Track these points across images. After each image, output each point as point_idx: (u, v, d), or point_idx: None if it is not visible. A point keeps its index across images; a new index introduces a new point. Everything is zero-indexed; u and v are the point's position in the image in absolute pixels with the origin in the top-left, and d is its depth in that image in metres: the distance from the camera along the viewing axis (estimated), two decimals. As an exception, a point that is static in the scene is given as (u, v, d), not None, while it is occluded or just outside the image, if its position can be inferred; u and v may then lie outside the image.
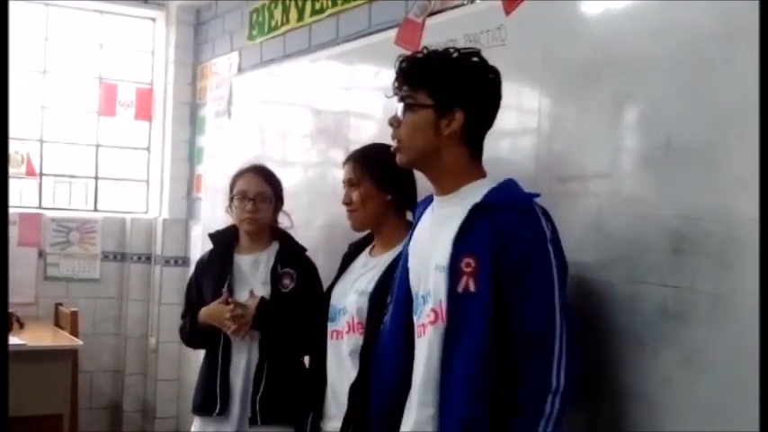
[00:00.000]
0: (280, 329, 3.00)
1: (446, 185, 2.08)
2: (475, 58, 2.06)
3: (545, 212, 1.98)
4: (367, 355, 2.42)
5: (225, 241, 3.21)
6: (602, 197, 2.22)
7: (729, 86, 1.91)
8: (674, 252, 1.99)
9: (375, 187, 2.59)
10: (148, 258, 5.78)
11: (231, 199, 3.16)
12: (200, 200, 5.48)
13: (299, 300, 3.01)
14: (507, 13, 2.57)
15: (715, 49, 1.95)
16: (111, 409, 5.76)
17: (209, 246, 3.50)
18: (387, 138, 3.14)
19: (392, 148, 2.12)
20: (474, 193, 2.02)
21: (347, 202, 2.63)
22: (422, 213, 2.22)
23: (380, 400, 2.22)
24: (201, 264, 3.29)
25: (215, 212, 4.80)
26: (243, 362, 3.04)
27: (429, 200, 2.21)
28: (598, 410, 2.19)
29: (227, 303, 3.00)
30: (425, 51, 2.09)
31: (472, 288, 1.94)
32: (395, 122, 2.08)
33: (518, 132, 2.23)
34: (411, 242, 2.21)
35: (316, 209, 3.67)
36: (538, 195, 2.02)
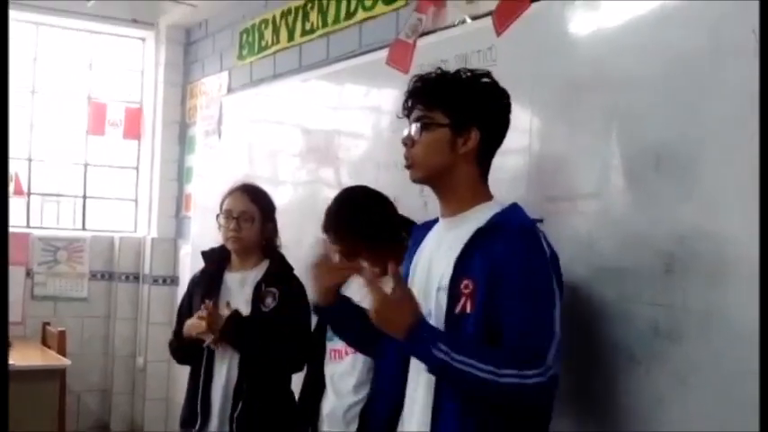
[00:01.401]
0: (254, 347, 2.99)
1: (453, 206, 2.09)
2: (487, 79, 2.08)
3: (545, 237, 1.99)
4: None
5: (217, 259, 3.22)
6: (592, 217, 2.25)
7: (718, 104, 1.95)
8: (665, 271, 2.01)
9: (361, 244, 2.60)
10: (136, 277, 5.77)
11: (218, 217, 3.17)
12: (190, 219, 5.49)
13: (280, 319, 3.00)
14: (498, 33, 2.60)
15: (703, 66, 1.98)
16: (98, 429, 5.73)
17: (199, 264, 3.51)
18: (376, 156, 3.21)
19: (405, 165, 2.12)
20: (479, 216, 2.03)
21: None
22: (422, 236, 2.22)
23: (379, 419, 2.22)
24: (193, 281, 3.30)
25: (205, 231, 4.80)
26: (222, 379, 3.04)
27: (431, 224, 2.22)
28: (590, 426, 2.20)
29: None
30: (439, 71, 2.10)
31: (468, 309, 1.94)
32: (408, 142, 2.09)
33: (510, 151, 2.24)
34: (414, 262, 2.20)
35: (306, 227, 3.66)
36: (541, 221, 2.04)
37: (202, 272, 3.25)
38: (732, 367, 1.87)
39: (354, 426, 2.55)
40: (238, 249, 3.12)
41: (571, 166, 2.35)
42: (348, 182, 3.39)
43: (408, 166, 2.12)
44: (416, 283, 2.15)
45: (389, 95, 3.29)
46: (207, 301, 3.00)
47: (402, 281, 2.06)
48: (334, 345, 2.68)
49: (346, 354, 2.63)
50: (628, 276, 2.11)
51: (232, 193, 3.18)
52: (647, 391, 2.05)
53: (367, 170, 3.21)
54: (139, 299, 5.74)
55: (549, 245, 1.98)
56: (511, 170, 2.42)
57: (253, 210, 3.12)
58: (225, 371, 3.03)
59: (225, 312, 2.99)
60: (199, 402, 3.04)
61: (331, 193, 3.53)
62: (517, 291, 1.90)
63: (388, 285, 2.33)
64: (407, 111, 2.14)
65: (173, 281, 5.66)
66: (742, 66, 1.87)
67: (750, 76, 1.85)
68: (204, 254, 3.26)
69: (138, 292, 5.76)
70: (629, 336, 2.10)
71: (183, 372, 5.21)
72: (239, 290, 3.11)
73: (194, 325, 3.02)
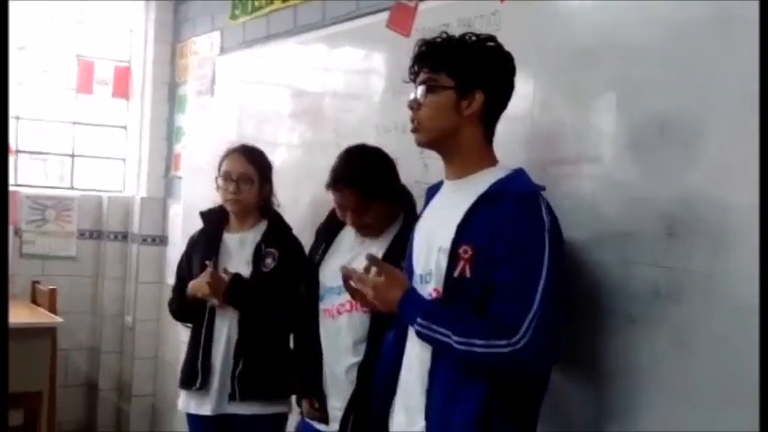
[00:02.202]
0: (256, 307, 3.04)
1: (458, 169, 2.14)
2: (491, 43, 2.11)
3: (548, 204, 2.03)
4: (377, 336, 2.47)
5: (215, 219, 3.25)
6: (595, 180, 2.29)
7: (723, 72, 1.98)
8: (668, 234, 2.06)
9: (367, 200, 2.64)
10: (125, 237, 5.77)
11: (216, 179, 3.18)
12: (179, 179, 5.48)
13: (281, 279, 3.04)
14: (502, -1, 2.62)
15: (709, 34, 2.01)
16: (86, 387, 5.77)
17: (192, 224, 3.53)
18: (374, 118, 3.22)
19: (411, 129, 2.16)
20: (484, 180, 2.08)
21: (343, 209, 2.67)
22: (431, 198, 2.27)
23: (384, 380, 2.27)
24: (192, 241, 3.34)
25: (196, 191, 4.81)
26: (223, 338, 3.09)
27: (438, 186, 2.26)
28: (589, 386, 2.26)
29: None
30: (444, 35, 2.13)
31: (468, 274, 1.99)
32: (414, 105, 2.13)
33: (512, 117, 2.26)
34: (419, 223, 2.25)
35: (302, 187, 3.70)
36: (543, 188, 2.07)
37: (201, 232, 3.28)
38: (732, 329, 1.92)
39: (353, 387, 2.59)
40: (237, 211, 3.16)
41: (575, 132, 2.38)
42: (345, 144, 3.40)
43: (414, 130, 2.16)
44: (419, 242, 2.21)
45: (388, 59, 3.30)
46: (207, 262, 3.03)
47: (381, 263, 2.18)
48: (325, 305, 2.71)
49: (338, 313, 2.67)
50: (630, 239, 2.15)
51: (230, 154, 3.20)
52: (645, 350, 2.11)
53: (366, 133, 3.21)
54: (128, 258, 5.74)
55: (550, 212, 2.02)
56: (513, 135, 2.44)
57: (251, 171, 3.15)
58: (225, 330, 3.08)
59: (225, 276, 3.02)
60: (200, 361, 3.07)
61: (327, 154, 3.55)
62: (504, 260, 1.95)
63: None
64: (413, 75, 2.18)
65: (161, 240, 5.66)
66: (748, 34, 1.90)
67: (753, 47, 1.88)
68: (203, 214, 3.29)
69: (127, 251, 5.76)
70: (629, 297, 2.15)
71: (172, 331, 5.32)
72: (239, 250, 3.15)
73: (199, 286, 3.04)
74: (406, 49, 3.01)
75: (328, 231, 2.80)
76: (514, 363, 1.92)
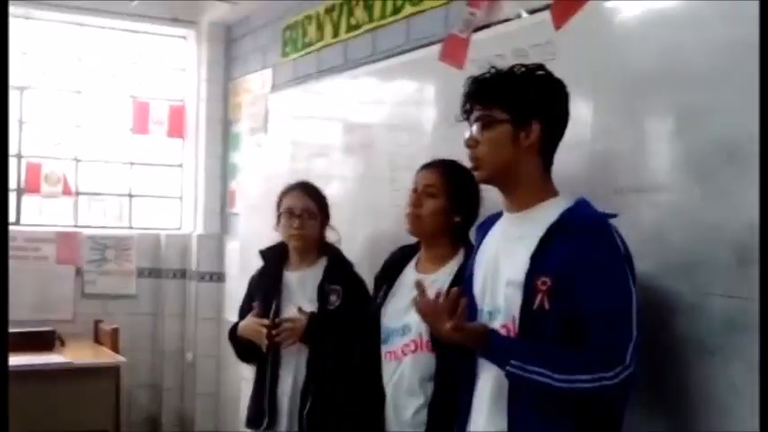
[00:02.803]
0: (327, 346, 3.02)
1: (520, 201, 2.12)
2: (541, 71, 2.09)
3: (617, 231, 2.00)
4: (444, 375, 2.44)
5: (275, 257, 3.25)
6: (661, 208, 2.24)
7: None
8: (739, 263, 2.01)
9: (451, 203, 2.60)
10: (183, 274, 5.83)
11: (279, 216, 3.19)
12: (235, 215, 5.53)
13: (346, 316, 3.03)
14: (557, 27, 2.59)
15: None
16: (149, 424, 5.81)
17: (249, 260, 3.54)
18: (427, 153, 3.20)
19: (471, 167, 2.15)
20: (549, 211, 2.05)
21: (417, 205, 2.62)
22: (485, 232, 2.24)
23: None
24: (253, 280, 3.34)
25: (253, 227, 4.85)
26: (290, 377, 3.08)
27: (492, 219, 2.24)
28: (665, 420, 2.21)
29: (261, 317, 3.05)
30: (493, 70, 2.12)
31: (547, 306, 1.96)
32: (472, 142, 2.12)
33: (572, 146, 2.23)
34: (477, 258, 2.22)
35: (357, 223, 3.69)
36: (615, 216, 2.04)
37: (261, 271, 3.28)
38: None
39: (422, 429, 2.54)
40: (301, 246, 3.16)
41: (637, 160, 2.34)
42: (400, 177, 3.40)
43: (474, 168, 2.15)
44: (481, 279, 2.17)
45: (442, 91, 3.28)
46: (253, 304, 3.07)
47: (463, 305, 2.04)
48: (389, 347, 2.67)
49: (404, 354, 2.62)
50: (700, 269, 2.11)
51: (291, 190, 3.22)
52: (721, 382, 2.05)
53: (418, 166, 3.20)
54: (187, 295, 5.80)
55: (622, 241, 1.99)
56: (573, 164, 2.41)
57: (313, 206, 3.16)
58: (292, 368, 3.07)
59: (292, 314, 3.02)
60: (266, 401, 3.07)
61: (381, 188, 3.57)
62: (594, 290, 1.92)
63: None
64: (466, 113, 2.17)
65: (219, 277, 5.70)
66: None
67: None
68: (263, 253, 3.29)
69: (186, 288, 5.82)
70: (703, 328, 2.09)
71: (233, 367, 5.32)
72: (300, 289, 3.15)
73: (248, 327, 3.06)
74: (459, 80, 3.04)
75: (388, 276, 2.77)
76: (620, 392, 1.91)
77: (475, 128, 2.11)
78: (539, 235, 2.01)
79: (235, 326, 3.25)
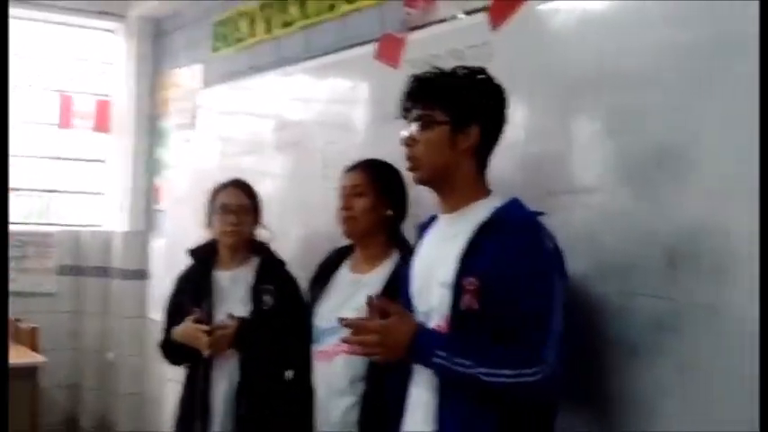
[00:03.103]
0: (261, 348, 2.98)
1: (454, 202, 2.12)
2: (483, 75, 2.10)
3: (548, 230, 2.01)
4: (375, 375, 2.43)
5: (204, 257, 3.19)
6: (593, 210, 2.27)
7: (719, 101, 1.98)
8: (669, 265, 2.05)
9: (380, 200, 2.61)
10: (105, 272, 5.70)
11: (211, 213, 3.13)
12: (160, 212, 5.44)
13: (280, 316, 2.99)
14: (494, 28, 2.61)
15: (706, 63, 2.01)
16: (68, 426, 5.67)
17: (176, 258, 3.45)
18: (360, 152, 3.19)
19: (407, 167, 2.14)
20: (480, 211, 2.06)
21: (347, 207, 2.62)
22: (423, 233, 2.24)
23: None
24: (181, 280, 3.25)
25: (180, 224, 4.78)
26: (224, 380, 3.02)
27: (431, 220, 2.24)
28: (592, 419, 2.23)
29: (200, 322, 2.99)
30: (435, 70, 2.12)
31: (475, 306, 1.96)
32: (410, 141, 2.10)
33: (506, 147, 2.23)
34: (415, 260, 2.22)
35: (288, 221, 3.66)
36: (543, 214, 2.05)
37: (190, 270, 3.21)
38: (735, 359, 1.91)
39: (352, 429, 2.53)
40: (234, 244, 3.11)
41: (570, 162, 2.37)
42: (332, 176, 3.38)
43: (411, 168, 2.14)
44: (417, 279, 2.17)
45: (376, 90, 3.28)
46: (195, 309, 2.98)
47: (389, 303, 2.07)
48: (320, 346, 2.66)
49: (335, 354, 2.60)
50: (630, 270, 2.14)
51: (225, 187, 3.17)
52: (649, 383, 2.08)
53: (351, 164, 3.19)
54: (109, 293, 5.68)
55: (551, 238, 2.01)
56: (507, 166, 2.42)
57: (248, 204, 3.13)
58: (226, 373, 3.01)
59: (222, 320, 2.97)
60: (199, 406, 3.01)
61: (313, 187, 3.55)
62: (516, 288, 1.93)
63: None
64: (405, 111, 2.16)
65: (143, 274, 5.59)
66: (743, 62, 1.91)
67: (751, 73, 1.89)
68: (192, 251, 3.22)
69: (108, 286, 5.69)
70: (631, 329, 2.13)
71: (155, 366, 5.22)
72: (232, 289, 3.09)
73: (187, 333, 2.99)
74: (393, 80, 3.04)
75: (322, 276, 2.76)
76: (539, 390, 1.91)
77: (413, 127, 2.10)
78: (467, 235, 2.01)
79: (166, 337, 3.15)
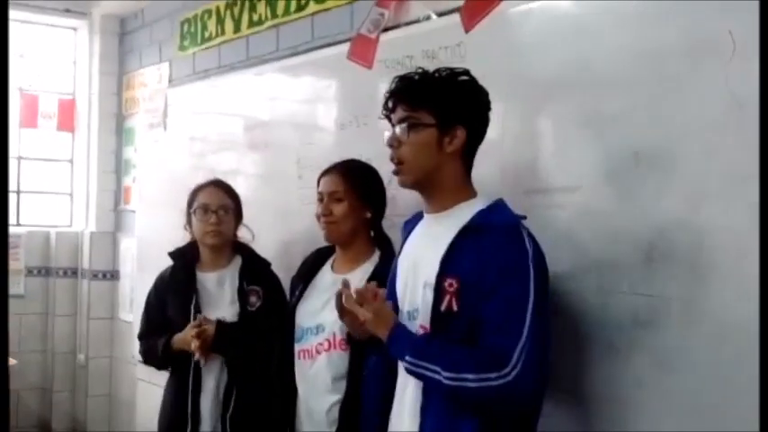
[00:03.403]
0: (247, 350, 2.98)
1: (440, 203, 2.13)
2: (466, 77, 2.12)
3: (530, 234, 2.04)
4: (357, 373, 2.45)
5: (186, 258, 3.16)
6: (570, 209, 2.31)
7: (694, 102, 2.02)
8: (645, 262, 2.09)
9: (359, 203, 2.62)
10: (75, 272, 5.67)
11: (191, 214, 3.12)
12: (129, 212, 5.41)
13: (266, 317, 3.00)
14: (467, 29, 2.64)
15: (679, 64, 2.06)
16: (39, 429, 5.63)
17: (147, 258, 3.42)
18: (335, 151, 3.20)
19: (393, 170, 2.14)
20: (465, 213, 2.08)
21: (327, 213, 2.64)
22: (410, 231, 2.26)
23: (370, 418, 2.25)
24: (162, 282, 3.22)
25: (151, 224, 4.76)
26: (212, 383, 3.01)
27: (417, 218, 2.26)
28: (572, 416, 2.27)
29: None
30: (420, 71, 2.13)
31: (455, 308, 1.98)
32: (395, 143, 2.11)
33: (482, 148, 2.26)
34: (401, 260, 2.24)
35: (262, 221, 3.65)
36: (524, 218, 2.08)
37: (172, 272, 3.19)
38: (711, 354, 1.96)
39: (335, 426, 2.56)
40: (217, 243, 3.09)
41: (546, 162, 2.41)
42: (307, 176, 3.39)
43: (397, 171, 2.14)
44: (402, 280, 2.20)
45: (347, 90, 3.30)
46: (199, 315, 2.98)
47: (375, 289, 2.11)
48: (303, 345, 2.68)
49: (317, 353, 2.64)
50: (608, 268, 2.18)
51: (205, 187, 3.15)
52: (627, 377, 2.13)
53: (326, 163, 3.21)
54: (78, 294, 5.64)
55: (532, 241, 2.03)
56: (483, 166, 2.43)
57: (229, 203, 3.12)
58: (215, 375, 3.01)
59: (213, 318, 2.98)
60: (189, 410, 2.99)
61: (288, 186, 3.55)
62: (491, 291, 1.95)
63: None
64: (389, 111, 2.16)
65: (113, 275, 5.56)
66: (718, 64, 1.95)
67: (725, 75, 1.94)
68: (172, 254, 3.20)
69: (77, 287, 5.65)
70: (610, 325, 2.17)
71: (126, 368, 5.21)
72: (218, 290, 3.09)
73: (186, 342, 2.97)
74: (366, 79, 3.06)
75: (304, 276, 2.78)
76: (506, 395, 1.90)
77: (399, 129, 2.10)
78: (450, 236, 2.03)
79: (165, 346, 3.08)
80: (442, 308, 2.00)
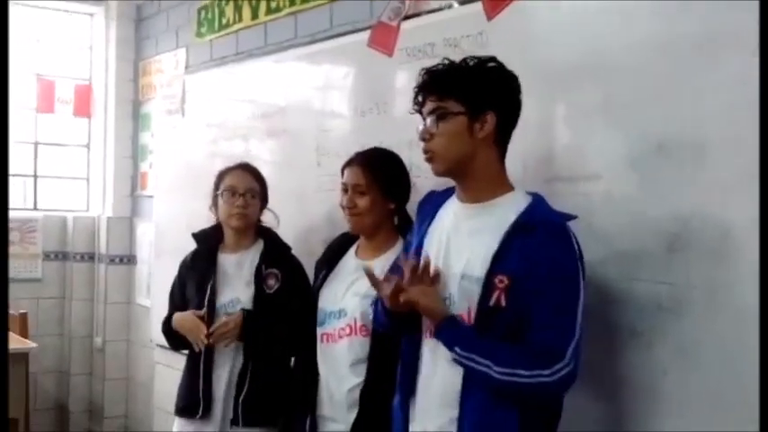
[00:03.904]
0: (264, 334, 3.00)
1: (476, 192, 2.14)
2: (494, 63, 2.13)
3: (574, 234, 2.05)
4: (377, 358, 2.48)
5: (209, 240, 3.19)
6: (592, 198, 2.33)
7: (718, 91, 2.04)
8: (668, 250, 2.11)
9: (382, 196, 2.64)
10: (91, 257, 5.71)
11: (217, 196, 3.13)
12: (146, 197, 5.44)
13: (285, 300, 3.02)
14: (489, 18, 2.65)
15: (703, 54, 2.08)
16: (56, 411, 5.69)
17: (162, 243, 3.41)
18: (355, 139, 3.22)
19: (426, 159, 2.15)
20: (507, 207, 2.09)
21: (351, 206, 2.66)
22: (430, 209, 2.26)
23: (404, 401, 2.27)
24: (185, 264, 3.25)
25: (169, 210, 4.79)
26: (227, 365, 3.04)
27: (437, 198, 2.26)
28: (596, 401, 2.30)
29: (201, 319, 3.01)
30: (446, 62, 2.14)
31: (503, 303, 2.00)
32: (426, 135, 2.12)
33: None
34: (428, 240, 2.22)
35: (282, 207, 3.66)
36: (575, 217, 2.08)
37: (194, 255, 3.22)
38: (733, 341, 1.99)
39: (356, 409, 2.59)
40: (242, 226, 3.11)
41: (569, 150, 2.43)
42: (327, 162, 3.42)
43: (429, 159, 2.16)
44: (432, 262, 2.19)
45: (368, 77, 3.30)
46: (203, 311, 3.02)
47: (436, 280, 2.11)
48: (325, 329, 2.71)
49: (339, 337, 2.67)
50: (631, 256, 2.21)
51: (233, 170, 3.17)
52: (650, 364, 2.16)
53: (349, 152, 3.23)
54: (95, 278, 5.68)
55: (578, 243, 2.05)
56: (508, 154, 2.47)
57: (256, 187, 3.13)
58: (229, 357, 3.04)
59: (228, 299, 3.01)
60: (201, 390, 3.03)
61: (307, 173, 3.58)
62: (545, 290, 1.97)
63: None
64: (419, 105, 2.18)
65: (129, 260, 5.61)
66: (743, 54, 1.97)
67: (750, 65, 1.95)
68: (196, 236, 3.23)
69: (94, 271, 5.70)
70: (633, 312, 2.20)
71: (143, 351, 5.26)
72: (237, 272, 3.10)
73: (188, 328, 3.02)
74: (385, 67, 3.07)
75: (329, 260, 2.81)
76: (558, 389, 1.97)
77: (429, 120, 2.11)
78: (500, 233, 2.03)
79: (168, 318, 3.16)
80: (491, 303, 2.01)
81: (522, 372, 1.94)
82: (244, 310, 3.00)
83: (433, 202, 2.28)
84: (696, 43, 2.09)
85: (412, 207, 2.71)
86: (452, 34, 2.81)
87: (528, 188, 2.24)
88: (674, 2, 2.15)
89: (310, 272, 2.99)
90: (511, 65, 2.26)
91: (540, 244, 1.99)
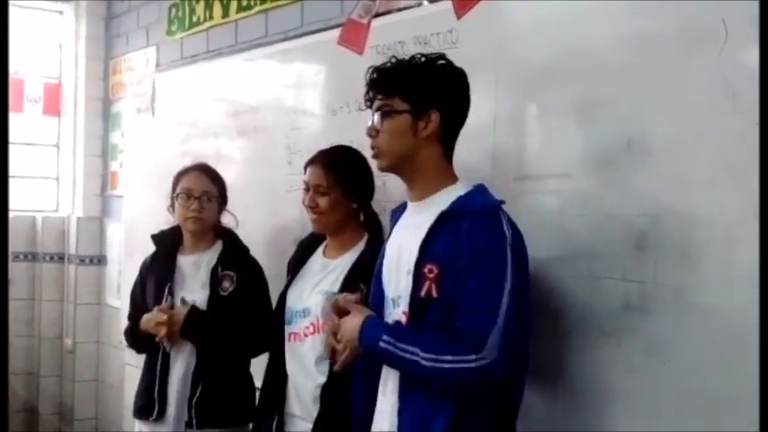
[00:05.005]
0: (215, 335, 2.97)
1: (421, 190, 2.15)
2: (442, 61, 2.13)
3: (509, 219, 2.04)
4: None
5: (168, 242, 3.16)
6: (562, 196, 2.32)
7: (686, 88, 2.04)
8: (637, 248, 2.11)
9: (343, 196, 2.63)
10: (61, 258, 5.65)
11: (174, 197, 3.10)
12: (116, 197, 5.39)
13: (240, 303, 2.99)
14: (459, 16, 2.64)
15: (672, 51, 2.07)
16: (26, 413, 5.63)
17: (134, 244, 3.39)
18: (326, 137, 3.20)
19: (372, 155, 2.17)
20: (444, 199, 2.09)
21: (313, 206, 2.64)
22: (397, 219, 2.28)
23: (362, 399, 2.27)
24: (145, 266, 3.22)
25: (139, 210, 4.74)
26: (182, 366, 3.01)
27: (403, 207, 2.27)
28: (563, 401, 2.29)
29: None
30: (393, 59, 2.15)
31: (434, 294, 2.00)
32: (373, 132, 2.14)
33: (473, 132, 2.27)
34: (387, 247, 2.26)
35: (251, 206, 3.65)
36: (503, 202, 2.08)
37: (153, 256, 3.19)
38: (702, 340, 1.98)
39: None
40: (198, 230, 3.07)
41: (538, 148, 2.43)
42: (297, 161, 3.39)
43: (375, 156, 2.18)
44: (388, 265, 2.22)
45: (338, 75, 3.29)
46: (168, 297, 2.98)
47: (346, 305, 2.20)
48: (292, 328, 2.71)
49: (305, 336, 2.67)
50: (599, 254, 2.20)
51: (189, 171, 3.12)
52: (618, 363, 2.15)
53: (316, 149, 3.20)
54: (65, 279, 5.62)
55: (511, 226, 2.03)
56: (474, 153, 2.46)
57: (212, 189, 3.09)
58: (183, 358, 3.01)
59: (180, 308, 2.97)
60: (156, 391, 3.00)
61: (277, 171, 3.55)
62: (467, 274, 1.96)
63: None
64: (369, 101, 2.19)
65: (100, 260, 5.55)
66: (711, 52, 1.96)
67: (718, 63, 1.95)
68: (155, 237, 3.21)
69: (64, 272, 5.64)
70: (601, 311, 2.19)
71: (113, 353, 5.20)
72: (194, 273, 3.07)
73: (154, 326, 2.97)
74: (356, 65, 3.05)
75: (298, 259, 2.80)
76: (483, 377, 1.93)
77: (376, 117, 2.13)
78: (429, 223, 2.04)
79: (132, 326, 3.13)
80: (422, 294, 2.01)
81: (447, 358, 1.92)
82: (192, 305, 2.97)
83: (399, 212, 2.30)
84: (665, 42, 2.08)
85: (379, 208, 2.72)
86: (422, 32, 2.79)
87: (497, 186, 2.24)
88: (643, 1, 2.14)
89: (280, 272, 2.96)
90: (481, 62, 2.26)
91: (468, 230, 1.98)
